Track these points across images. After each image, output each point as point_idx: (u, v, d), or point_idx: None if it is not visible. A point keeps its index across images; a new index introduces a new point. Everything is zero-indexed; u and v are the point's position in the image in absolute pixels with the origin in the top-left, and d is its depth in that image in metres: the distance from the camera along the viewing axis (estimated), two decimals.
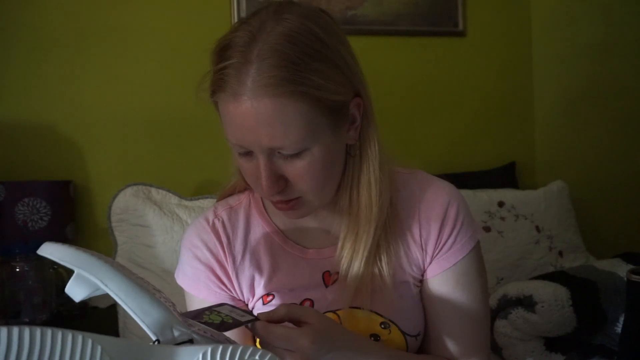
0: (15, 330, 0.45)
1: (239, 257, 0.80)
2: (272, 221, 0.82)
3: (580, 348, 1.27)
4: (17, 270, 1.38)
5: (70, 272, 0.54)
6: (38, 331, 0.46)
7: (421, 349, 0.82)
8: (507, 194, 1.69)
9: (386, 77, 1.87)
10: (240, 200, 0.85)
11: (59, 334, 0.47)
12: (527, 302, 1.22)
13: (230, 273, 0.80)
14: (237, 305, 0.72)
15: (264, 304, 0.79)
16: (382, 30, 1.87)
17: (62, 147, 1.62)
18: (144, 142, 1.67)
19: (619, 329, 1.20)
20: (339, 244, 0.77)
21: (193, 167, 1.70)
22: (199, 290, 0.80)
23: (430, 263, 0.80)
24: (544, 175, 2.01)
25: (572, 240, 1.69)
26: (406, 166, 0.84)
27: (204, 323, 0.61)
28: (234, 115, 0.65)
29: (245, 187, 0.85)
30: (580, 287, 1.24)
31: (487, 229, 1.60)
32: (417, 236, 0.79)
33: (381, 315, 0.77)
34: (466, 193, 1.57)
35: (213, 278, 0.80)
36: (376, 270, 0.76)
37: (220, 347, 0.53)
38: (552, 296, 1.20)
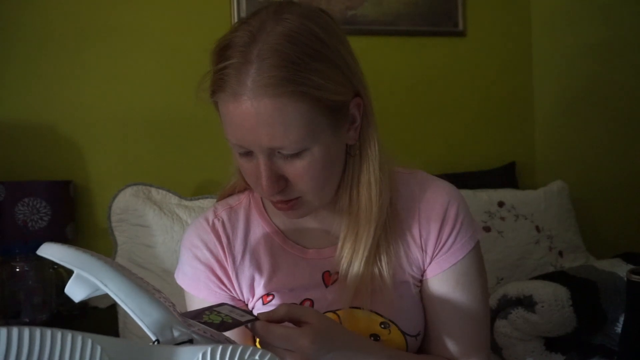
0: (15, 330, 0.45)
1: (238, 257, 0.80)
2: (272, 221, 0.82)
3: (580, 348, 1.27)
4: (17, 270, 1.38)
5: (70, 272, 0.54)
6: (38, 331, 0.46)
7: (421, 349, 0.82)
8: (507, 194, 1.69)
9: (386, 77, 1.87)
10: (240, 200, 0.85)
11: (59, 334, 0.47)
12: (527, 302, 1.22)
13: (230, 273, 0.80)
14: (237, 305, 0.72)
15: (264, 304, 0.79)
16: (382, 30, 1.87)
17: (62, 147, 1.62)
18: (144, 142, 1.67)
19: (619, 329, 1.20)
20: (339, 244, 0.77)
21: (193, 167, 1.70)
22: (199, 290, 0.80)
23: (430, 263, 0.80)
24: (544, 175, 2.01)
25: (572, 240, 1.69)
26: (406, 166, 0.84)
27: (204, 323, 0.61)
28: (234, 115, 0.65)
29: (245, 187, 0.85)
30: (580, 287, 1.24)
31: (487, 229, 1.60)
32: (417, 236, 0.79)
33: (381, 315, 0.77)
34: (466, 193, 1.57)
35: (213, 278, 0.80)
36: (376, 270, 0.76)
37: (220, 347, 0.53)
38: (552, 296, 1.20)
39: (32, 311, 1.38)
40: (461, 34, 1.95)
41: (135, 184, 1.44)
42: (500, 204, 1.65)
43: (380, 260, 0.76)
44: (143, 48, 1.67)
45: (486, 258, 0.86)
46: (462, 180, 1.67)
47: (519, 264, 1.59)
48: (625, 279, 0.97)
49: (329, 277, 0.79)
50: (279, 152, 0.67)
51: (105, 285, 0.53)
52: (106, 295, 0.54)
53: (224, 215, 0.83)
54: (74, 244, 0.55)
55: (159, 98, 1.68)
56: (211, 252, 0.80)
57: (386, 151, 0.77)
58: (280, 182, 0.69)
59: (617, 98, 1.73)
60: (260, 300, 0.79)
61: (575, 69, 1.88)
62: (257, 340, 0.66)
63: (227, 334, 0.63)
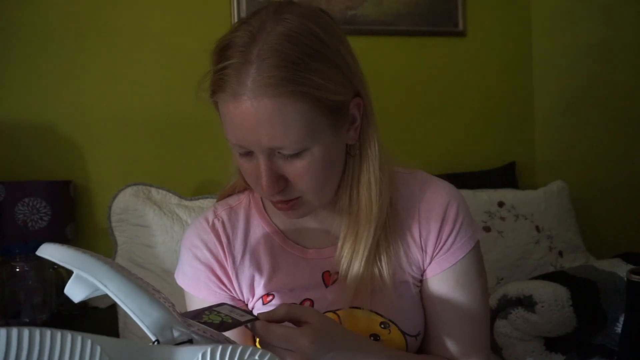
0: (15, 331, 0.45)
1: (238, 257, 0.80)
2: (272, 221, 0.82)
3: (580, 348, 1.27)
4: (17, 270, 1.38)
5: (70, 272, 0.54)
6: (37, 332, 0.46)
7: (421, 349, 0.82)
8: (507, 194, 1.69)
9: (386, 77, 1.87)
10: (240, 200, 0.85)
11: (58, 334, 0.47)
12: (527, 302, 1.22)
13: (230, 273, 0.80)
14: (237, 305, 0.72)
15: (263, 304, 0.79)
16: (382, 30, 1.87)
17: (62, 147, 1.62)
18: (144, 142, 1.67)
19: (619, 329, 1.20)
20: (339, 244, 0.77)
21: (193, 167, 1.70)
22: (199, 290, 0.80)
23: (430, 263, 0.80)
24: (544, 175, 2.01)
25: (572, 240, 1.69)
26: (406, 166, 0.84)
27: (204, 323, 0.61)
28: (234, 115, 0.65)
29: (245, 187, 0.85)
30: (580, 287, 1.24)
31: (487, 229, 1.60)
32: (416, 236, 0.79)
33: (381, 315, 0.77)
34: (466, 193, 1.57)
35: (213, 278, 0.80)
36: (376, 270, 0.76)
37: (220, 347, 0.53)
38: (552, 296, 1.20)
39: (32, 311, 1.38)
40: (461, 34, 1.95)
41: (135, 184, 1.44)
42: (500, 204, 1.65)
43: (380, 260, 0.76)
44: (143, 48, 1.67)
45: (486, 258, 0.86)
46: (462, 180, 1.67)
47: (519, 264, 1.59)
48: (625, 279, 0.97)
49: (329, 277, 0.79)
50: (279, 152, 0.67)
51: (105, 286, 0.53)
52: (106, 296, 0.54)
53: (224, 215, 0.83)
54: (74, 244, 0.55)
55: (159, 98, 1.68)
56: (211, 252, 0.80)
57: (386, 151, 0.77)
58: (280, 182, 0.69)
59: (617, 98, 1.73)
60: (260, 300, 0.79)
61: (575, 69, 1.88)
62: (257, 340, 0.66)
63: (227, 334, 0.63)
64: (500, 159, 1.98)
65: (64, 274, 1.45)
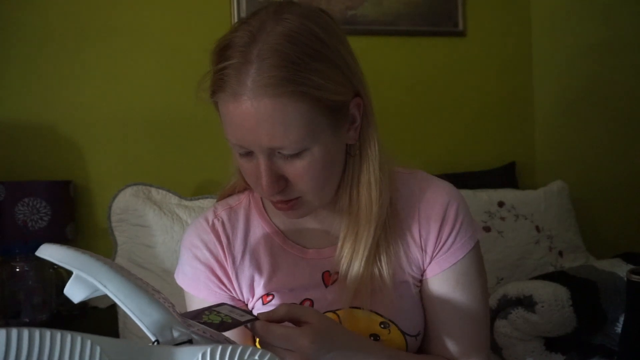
0: (14, 331, 0.45)
1: (238, 257, 0.80)
2: (272, 221, 0.82)
3: (580, 348, 1.27)
4: (17, 270, 1.38)
5: (70, 272, 0.54)
6: (37, 332, 0.46)
7: (421, 349, 0.82)
8: (507, 194, 1.69)
9: (386, 77, 1.87)
10: (240, 201, 0.85)
11: (58, 335, 0.47)
12: (527, 302, 1.22)
13: (230, 273, 0.80)
14: (236, 305, 0.72)
15: (263, 304, 0.79)
16: (382, 30, 1.87)
17: (62, 147, 1.62)
18: (144, 142, 1.67)
19: (619, 329, 1.20)
20: (339, 244, 0.77)
21: (193, 167, 1.70)
22: (199, 290, 0.80)
23: (430, 263, 0.80)
24: (544, 175, 2.01)
25: (572, 240, 1.69)
26: (406, 166, 0.84)
27: (204, 323, 0.61)
28: (234, 115, 0.65)
29: (245, 187, 0.85)
30: (580, 287, 1.24)
31: (487, 229, 1.60)
32: (416, 236, 0.79)
33: (381, 315, 0.77)
34: (466, 193, 1.57)
35: (213, 278, 0.80)
36: (376, 270, 0.76)
37: (220, 347, 0.53)
38: (552, 296, 1.20)
39: (32, 311, 1.38)
40: (461, 34, 1.95)
41: (135, 184, 1.44)
42: (500, 204, 1.65)
43: (380, 260, 0.76)
44: (143, 48, 1.67)
45: (486, 258, 0.86)
46: (462, 180, 1.67)
47: (519, 264, 1.59)
48: (625, 279, 0.97)
49: (328, 277, 0.79)
50: (279, 152, 0.67)
51: (105, 286, 0.53)
52: (106, 296, 0.54)
53: (223, 215, 0.83)
54: (74, 244, 0.55)
55: (159, 98, 1.68)
56: (211, 252, 0.80)
57: (386, 151, 0.77)
58: (280, 182, 0.69)
59: (617, 98, 1.73)
60: (260, 300, 0.79)
61: (575, 69, 1.88)
62: (257, 340, 0.66)
63: (227, 334, 0.63)
64: (500, 159, 1.98)
65: (64, 274, 1.45)
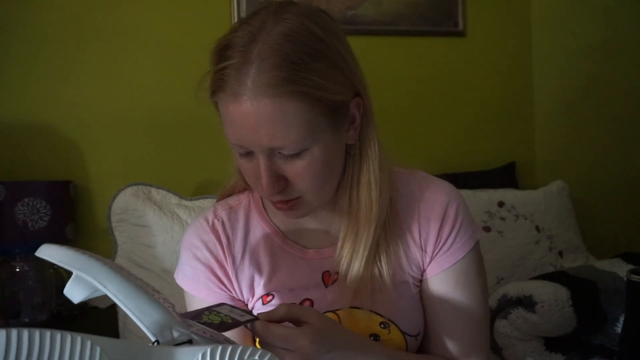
0: (14, 332, 0.45)
1: (238, 257, 0.80)
2: (272, 221, 0.82)
3: (580, 348, 1.27)
4: (17, 270, 1.38)
5: (70, 273, 0.54)
6: (37, 333, 0.46)
7: (421, 349, 0.82)
8: (507, 194, 1.69)
9: (386, 77, 1.87)
10: (240, 201, 0.85)
11: (58, 335, 0.47)
12: (527, 302, 1.22)
13: (230, 273, 0.80)
14: (236, 305, 0.72)
15: (263, 304, 0.79)
16: (382, 30, 1.87)
17: (62, 147, 1.62)
18: (144, 142, 1.67)
19: (619, 329, 1.20)
20: (339, 244, 0.77)
21: (193, 167, 1.70)
22: (199, 290, 0.80)
23: (429, 263, 0.79)
24: (544, 175, 2.01)
25: (572, 240, 1.69)
26: (406, 166, 0.84)
27: (204, 323, 0.61)
28: (234, 115, 0.65)
29: (245, 187, 0.85)
30: (580, 287, 1.24)
31: (487, 229, 1.60)
32: (416, 236, 0.79)
33: (381, 315, 0.77)
34: (466, 193, 1.57)
35: (213, 278, 0.80)
36: (376, 270, 0.76)
37: (220, 347, 0.53)
38: (552, 296, 1.20)
39: (32, 311, 1.38)
40: (461, 34, 1.95)
41: (135, 184, 1.44)
42: (500, 204, 1.65)
43: (380, 260, 0.76)
44: (143, 48, 1.67)
45: (486, 258, 0.86)
46: (462, 180, 1.67)
47: (519, 264, 1.59)
48: (625, 279, 0.97)
49: (328, 277, 0.79)
50: (279, 152, 0.67)
51: (104, 287, 0.53)
52: (106, 296, 0.54)
53: (223, 215, 0.83)
54: (74, 244, 0.55)
55: (159, 98, 1.68)
56: (211, 252, 0.80)
57: (386, 151, 0.77)
58: (280, 182, 0.69)
59: (617, 98, 1.73)
60: (260, 300, 0.79)
61: (575, 69, 1.88)
62: (257, 340, 0.66)
63: (227, 334, 0.63)
64: (500, 159, 1.98)
65: (64, 274, 1.45)
